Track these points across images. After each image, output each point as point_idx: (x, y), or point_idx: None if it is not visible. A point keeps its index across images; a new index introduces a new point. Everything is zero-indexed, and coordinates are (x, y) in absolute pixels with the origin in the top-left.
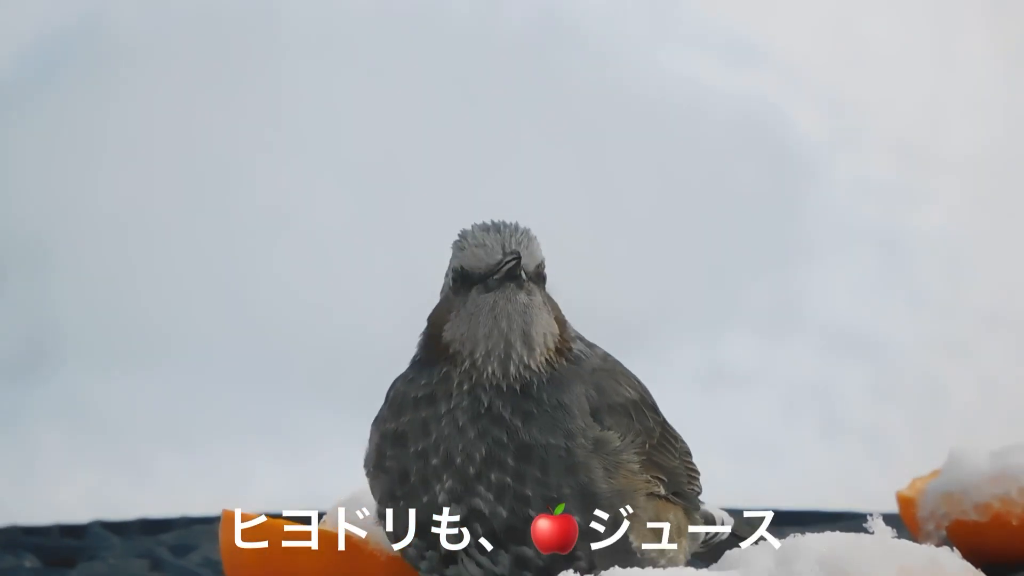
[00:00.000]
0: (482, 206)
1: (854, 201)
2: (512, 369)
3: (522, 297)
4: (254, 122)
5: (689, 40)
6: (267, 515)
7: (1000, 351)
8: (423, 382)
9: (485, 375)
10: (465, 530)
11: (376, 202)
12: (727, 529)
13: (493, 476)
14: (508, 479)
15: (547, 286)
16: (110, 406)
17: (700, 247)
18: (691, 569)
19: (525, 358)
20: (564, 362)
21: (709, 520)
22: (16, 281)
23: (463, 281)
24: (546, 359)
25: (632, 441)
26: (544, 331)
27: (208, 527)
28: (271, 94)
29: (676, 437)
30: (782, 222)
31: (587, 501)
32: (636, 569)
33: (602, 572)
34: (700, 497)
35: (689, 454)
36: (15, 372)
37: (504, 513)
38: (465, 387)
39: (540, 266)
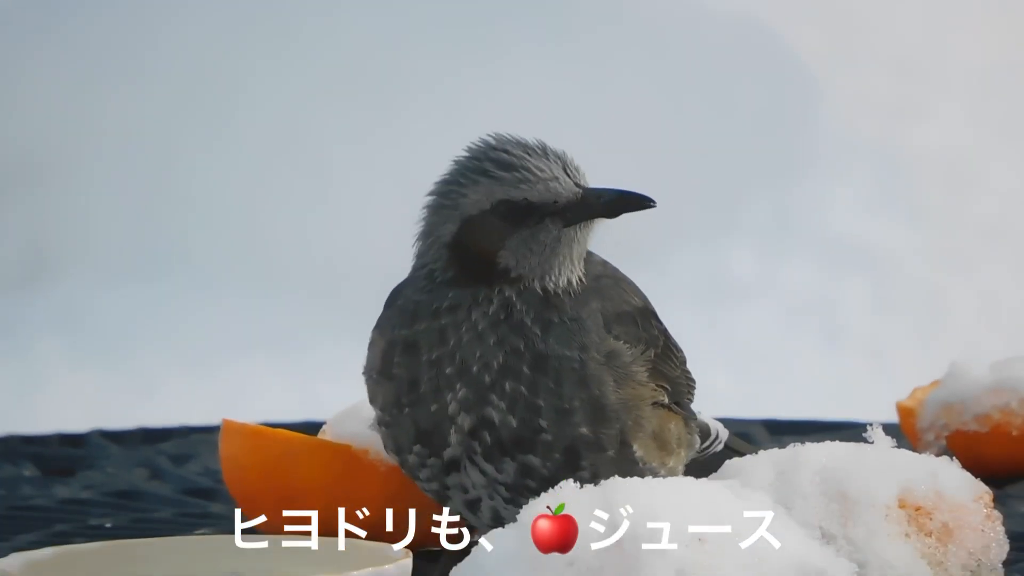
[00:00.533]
0: (482, 121)
1: (855, 116)
2: (565, 283)
3: (576, 229)
4: (256, 35)
5: None
6: (267, 425)
7: (1000, 264)
8: (450, 294)
9: (541, 286)
10: (475, 441)
11: (377, 115)
12: (723, 439)
13: (508, 385)
14: (522, 388)
15: None
16: (111, 316)
17: (701, 162)
18: (691, 479)
19: (580, 274)
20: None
21: (704, 431)
22: (18, 193)
23: (528, 212)
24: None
25: (641, 352)
26: (580, 258)
27: (208, 436)
28: (273, 7)
29: (677, 347)
30: (783, 137)
31: (596, 413)
32: (636, 479)
33: (602, 482)
34: (694, 407)
35: (686, 364)
36: (16, 282)
37: (514, 423)
38: (507, 294)
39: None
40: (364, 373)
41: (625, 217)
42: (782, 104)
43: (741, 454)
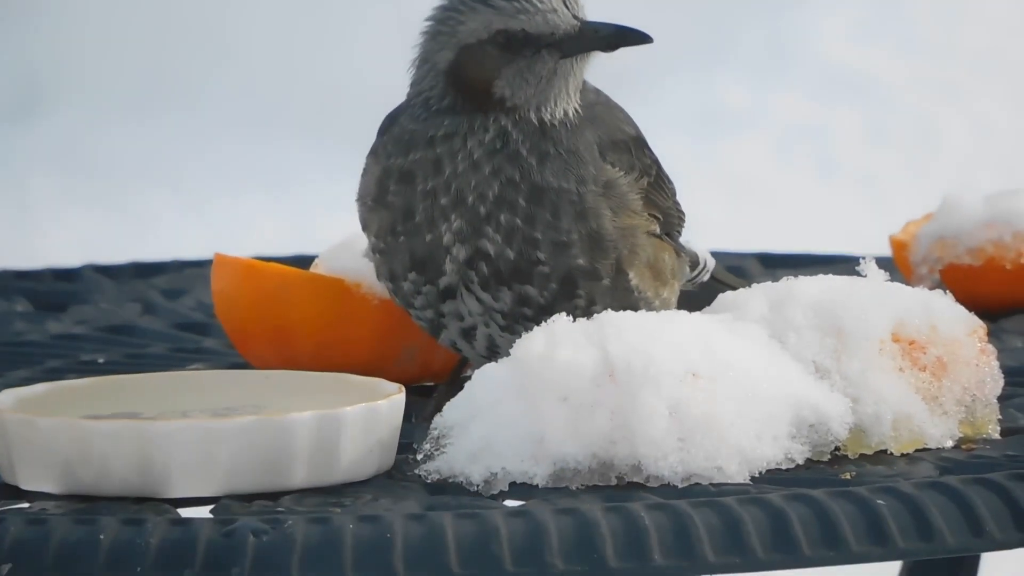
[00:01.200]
0: None
1: None
2: (561, 113)
3: (577, 60)
4: None
5: None
6: (259, 259)
7: (994, 94)
8: (445, 122)
9: (538, 117)
10: (471, 270)
11: None
12: (710, 268)
13: (503, 217)
14: (518, 220)
15: None
16: (102, 150)
17: None
18: (684, 312)
19: (576, 105)
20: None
21: (693, 261)
22: (7, 26)
23: (525, 43)
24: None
25: (636, 180)
26: (576, 89)
27: (200, 271)
28: None
29: (667, 177)
30: None
31: (594, 244)
32: (629, 313)
33: (596, 315)
34: (685, 236)
35: (676, 195)
36: (6, 117)
37: (512, 255)
38: (504, 123)
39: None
40: (357, 200)
41: (619, 50)
42: None
43: (728, 285)
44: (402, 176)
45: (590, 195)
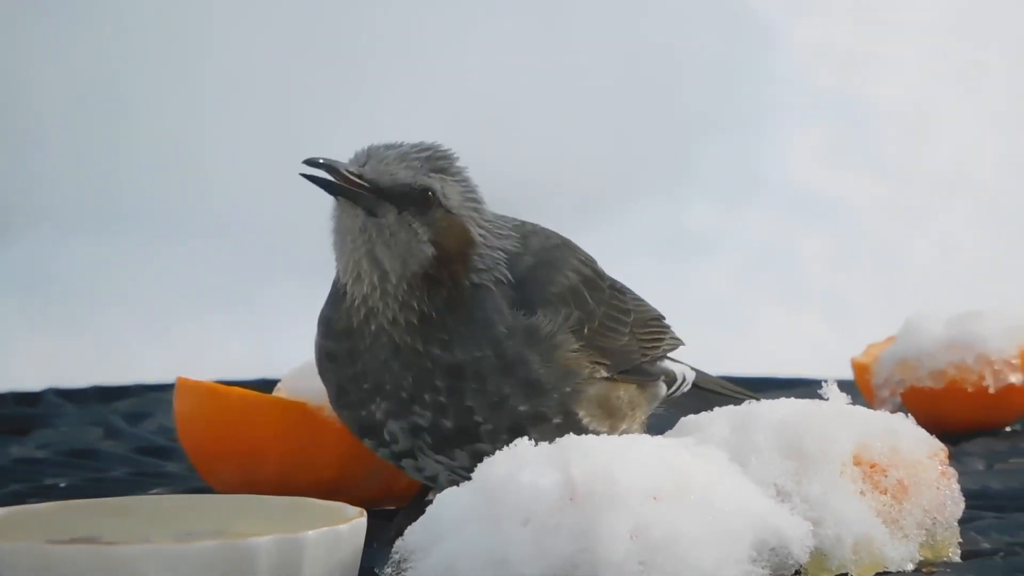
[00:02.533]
0: (441, 78)
1: (814, 66)
2: (366, 291)
3: (360, 216)
4: None
5: None
6: (222, 383)
7: (957, 217)
8: (341, 313)
9: (363, 303)
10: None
11: (332, 62)
12: (690, 380)
13: (427, 397)
14: (441, 398)
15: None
16: (66, 273)
17: (661, 113)
18: (646, 436)
19: (376, 281)
20: (473, 276)
21: (671, 379)
22: None
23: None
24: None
25: (565, 321)
26: (400, 255)
27: (163, 394)
28: None
29: (626, 311)
30: (742, 87)
31: (530, 390)
32: (591, 436)
33: (558, 440)
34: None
35: (655, 319)
36: None
37: (449, 423)
38: (373, 326)
39: (411, 188)
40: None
41: (584, 172)
42: (740, 54)
43: (713, 391)
44: (328, 357)
45: (510, 350)
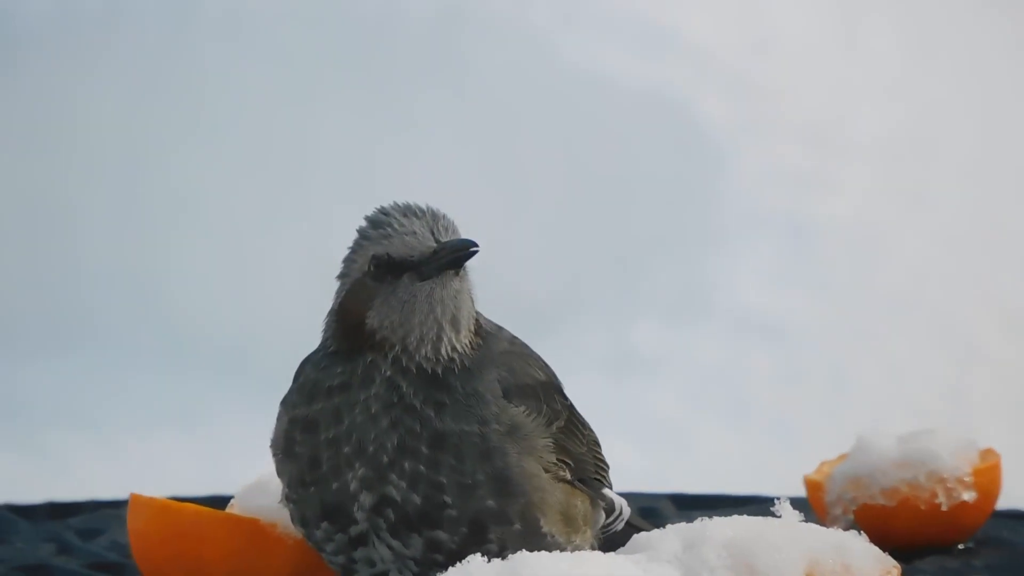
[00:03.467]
0: (388, 190)
1: (762, 187)
2: (443, 351)
3: (455, 283)
4: (160, 107)
5: (596, 25)
6: (175, 499)
7: (908, 337)
8: (339, 370)
9: (415, 358)
10: (379, 517)
11: (282, 185)
12: (625, 516)
13: (407, 464)
14: (421, 467)
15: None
16: (16, 390)
17: (608, 233)
18: (599, 553)
19: (454, 340)
20: (475, 345)
21: (609, 507)
22: None
23: (389, 268)
24: (468, 341)
25: (545, 424)
26: (469, 314)
27: (116, 511)
28: (178, 79)
29: (584, 424)
30: (690, 208)
31: (501, 486)
32: (544, 553)
33: (510, 556)
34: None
35: (598, 445)
36: None
37: (418, 500)
38: (387, 373)
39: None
40: (271, 448)
41: (531, 287)
42: (688, 176)
43: (642, 531)
44: (306, 426)
45: (494, 435)
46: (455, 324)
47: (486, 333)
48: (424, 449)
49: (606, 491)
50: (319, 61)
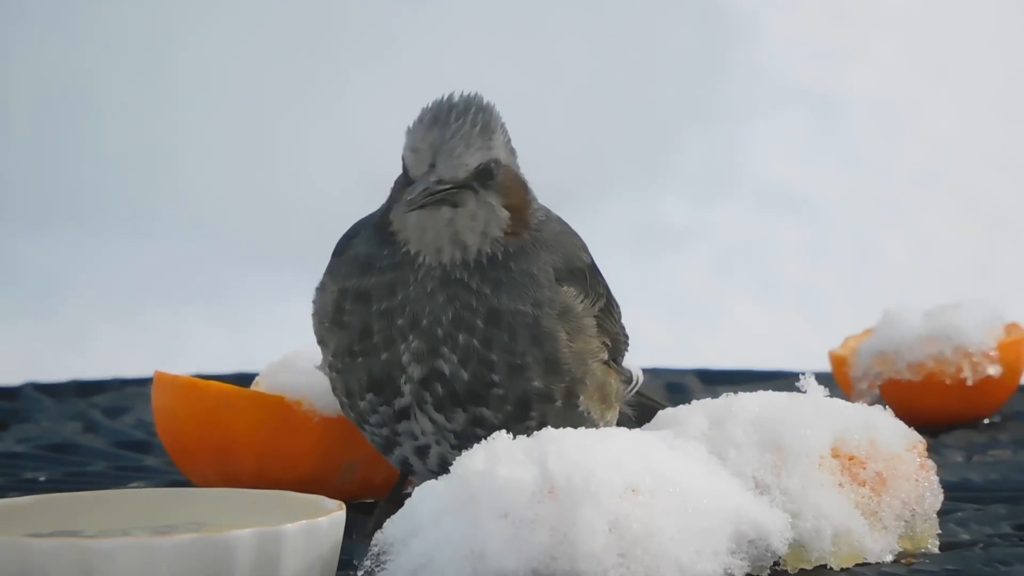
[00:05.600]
0: (417, 72)
1: (786, 61)
2: (447, 259)
3: (444, 213)
4: None
5: None
6: (199, 377)
7: (934, 211)
8: (386, 252)
9: (434, 261)
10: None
11: (317, 63)
12: (639, 385)
13: (461, 338)
14: (475, 342)
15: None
16: (42, 267)
17: (634, 108)
18: (624, 429)
19: (458, 256)
20: (527, 235)
21: (627, 378)
22: None
23: (404, 174)
24: (503, 236)
25: (591, 306)
26: (481, 230)
27: (141, 389)
28: None
29: (616, 303)
30: (716, 82)
31: (549, 367)
32: (569, 430)
33: (535, 433)
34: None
35: (621, 320)
36: None
37: (467, 376)
38: (429, 262)
39: (481, 167)
40: (314, 316)
41: (559, 164)
42: (715, 51)
43: (652, 399)
44: (358, 296)
45: (546, 318)
46: (456, 243)
47: (541, 220)
48: (480, 324)
49: (625, 364)
50: None
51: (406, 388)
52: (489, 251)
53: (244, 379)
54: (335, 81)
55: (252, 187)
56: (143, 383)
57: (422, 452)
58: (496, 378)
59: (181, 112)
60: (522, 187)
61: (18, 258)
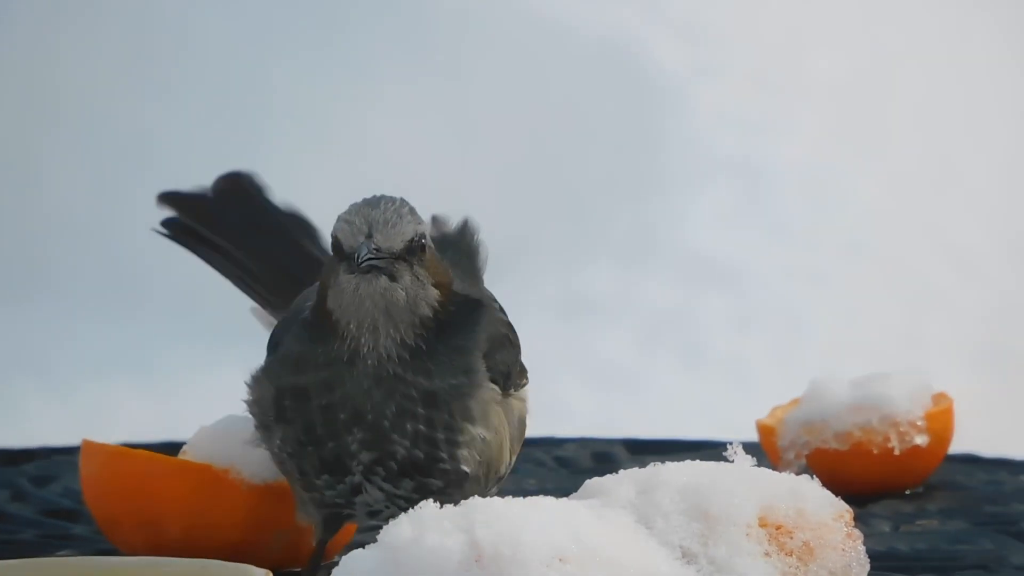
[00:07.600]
0: (341, 136)
1: (714, 131)
2: (383, 340)
3: (382, 282)
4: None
5: None
6: (127, 445)
7: (861, 282)
8: (320, 349)
9: (368, 347)
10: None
11: (236, 131)
12: None
13: (408, 426)
14: (421, 426)
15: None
16: None
17: (560, 178)
18: (551, 498)
19: (392, 332)
20: (452, 308)
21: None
22: None
23: (336, 251)
24: (432, 313)
25: (514, 372)
26: (413, 306)
27: (69, 457)
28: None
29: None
30: (643, 152)
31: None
32: (496, 499)
33: (463, 502)
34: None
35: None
36: None
37: (421, 455)
38: (363, 354)
39: (414, 240)
40: (253, 404)
41: (484, 233)
42: (641, 120)
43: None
44: (295, 394)
45: (476, 387)
46: (390, 318)
47: (460, 296)
48: (420, 409)
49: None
50: (272, 5)
51: (357, 469)
52: (422, 332)
53: (172, 448)
54: (260, 145)
55: (174, 256)
56: (71, 451)
57: (374, 514)
58: (442, 453)
59: (104, 180)
60: (446, 270)
61: None
